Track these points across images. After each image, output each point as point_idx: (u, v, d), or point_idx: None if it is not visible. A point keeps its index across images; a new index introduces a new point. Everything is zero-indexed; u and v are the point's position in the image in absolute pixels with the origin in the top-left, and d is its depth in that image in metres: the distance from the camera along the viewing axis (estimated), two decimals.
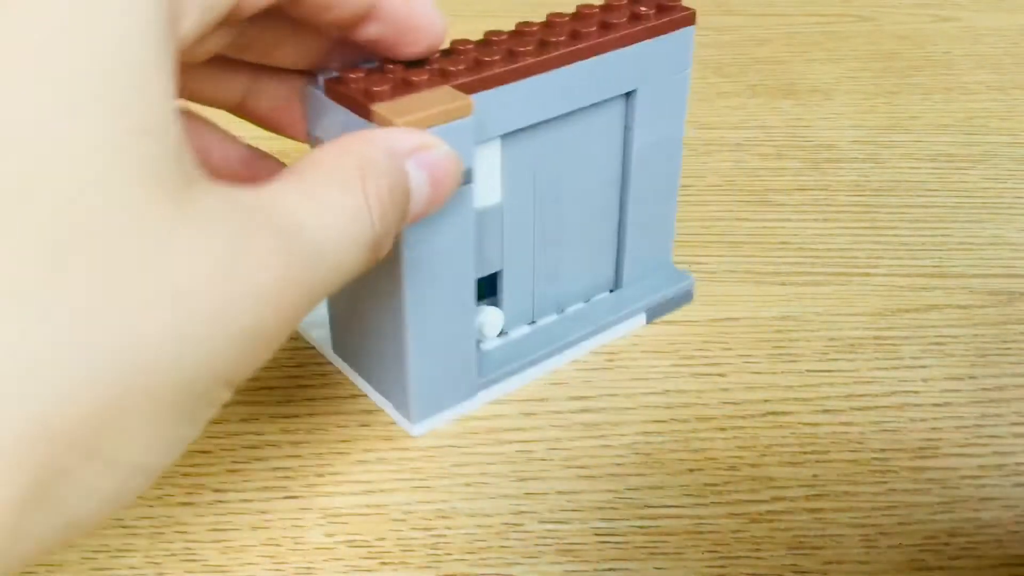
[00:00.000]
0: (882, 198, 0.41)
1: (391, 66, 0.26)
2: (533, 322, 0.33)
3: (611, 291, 0.34)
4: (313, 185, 0.21)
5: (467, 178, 0.26)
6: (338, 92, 0.26)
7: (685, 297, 0.35)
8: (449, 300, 0.28)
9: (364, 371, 0.31)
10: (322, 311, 0.32)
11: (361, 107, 0.25)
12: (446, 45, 0.27)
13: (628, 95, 0.31)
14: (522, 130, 0.29)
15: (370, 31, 0.25)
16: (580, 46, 0.28)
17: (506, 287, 0.31)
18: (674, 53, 0.31)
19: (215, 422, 0.30)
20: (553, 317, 0.33)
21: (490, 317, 0.31)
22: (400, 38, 0.26)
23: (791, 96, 0.50)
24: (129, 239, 0.17)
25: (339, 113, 0.26)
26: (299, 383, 0.32)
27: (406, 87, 0.26)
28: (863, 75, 0.52)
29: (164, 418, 0.18)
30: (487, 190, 0.29)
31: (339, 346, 0.32)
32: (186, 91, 0.27)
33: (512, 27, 0.29)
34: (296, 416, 0.30)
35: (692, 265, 0.37)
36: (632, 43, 0.29)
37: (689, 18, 0.30)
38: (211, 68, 0.27)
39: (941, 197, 0.41)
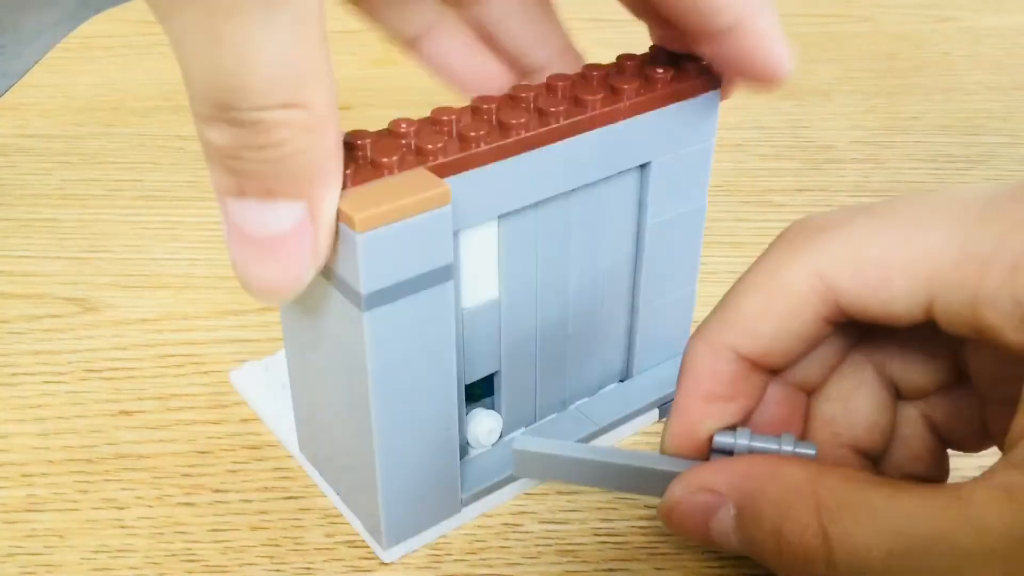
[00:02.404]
0: (882, 198, 0.41)
1: (359, 142, 0.22)
2: (533, 421, 0.29)
3: (620, 381, 0.30)
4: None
5: (446, 275, 0.23)
6: None
7: None
8: (424, 415, 0.24)
9: (332, 480, 0.27)
10: (277, 402, 0.30)
11: None
12: (425, 113, 0.24)
13: (642, 167, 0.27)
14: (521, 212, 0.25)
15: (711, 49, 0.25)
16: (582, 117, 0.24)
17: (504, 390, 0.27)
18: (695, 120, 0.26)
19: (214, 422, 0.30)
20: (554, 416, 0.29)
21: (485, 423, 0.27)
22: (738, 68, 0.25)
23: (791, 96, 0.50)
24: None
25: None
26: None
27: (372, 170, 0.22)
28: (863, 75, 0.52)
29: None
30: (480, 285, 0.25)
31: (305, 446, 0.28)
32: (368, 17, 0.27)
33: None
34: None
35: None
36: (644, 111, 0.25)
37: (713, 81, 0.26)
38: None
39: None
